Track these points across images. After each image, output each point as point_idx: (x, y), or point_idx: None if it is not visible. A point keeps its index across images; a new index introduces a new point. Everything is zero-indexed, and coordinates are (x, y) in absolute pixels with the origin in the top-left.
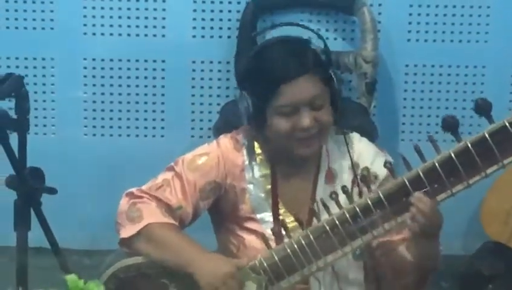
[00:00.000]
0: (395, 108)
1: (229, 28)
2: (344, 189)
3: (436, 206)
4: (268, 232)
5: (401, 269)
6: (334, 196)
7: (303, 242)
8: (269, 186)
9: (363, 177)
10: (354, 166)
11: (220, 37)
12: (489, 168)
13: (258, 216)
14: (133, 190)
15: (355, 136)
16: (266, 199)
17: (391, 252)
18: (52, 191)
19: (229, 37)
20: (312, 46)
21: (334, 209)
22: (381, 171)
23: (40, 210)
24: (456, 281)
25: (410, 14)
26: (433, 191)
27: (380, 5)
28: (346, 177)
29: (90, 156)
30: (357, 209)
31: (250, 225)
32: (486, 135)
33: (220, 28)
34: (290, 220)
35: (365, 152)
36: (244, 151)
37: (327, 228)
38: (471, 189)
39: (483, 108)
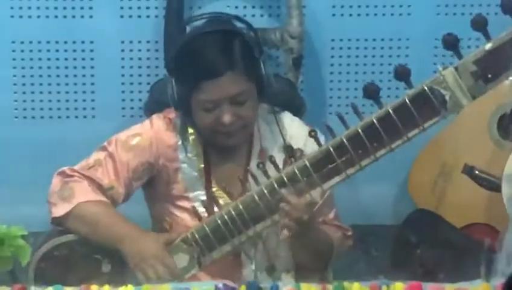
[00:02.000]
0: (322, 82)
1: (156, 7)
2: (271, 159)
3: (305, 205)
4: (201, 210)
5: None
6: (261, 165)
7: (233, 212)
8: (202, 166)
9: (292, 152)
10: (286, 146)
11: (148, 16)
12: (410, 131)
13: (191, 195)
14: (65, 169)
15: (286, 116)
16: (199, 178)
17: None
18: None
19: (156, 16)
20: (240, 38)
21: (263, 180)
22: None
23: None
24: (387, 249)
25: None
26: (356, 156)
27: None
28: (278, 157)
29: (22, 138)
30: (284, 177)
31: (183, 203)
32: (406, 99)
33: (147, 8)
34: (222, 198)
35: (298, 133)
36: (177, 131)
37: (256, 197)
38: (398, 160)
39: (402, 74)
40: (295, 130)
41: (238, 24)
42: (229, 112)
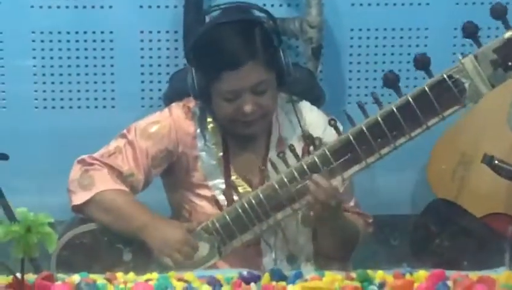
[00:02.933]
0: (341, 72)
1: None
2: (291, 148)
3: (333, 189)
4: (220, 198)
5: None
6: (281, 155)
7: (253, 201)
8: (221, 154)
9: (311, 141)
10: (305, 135)
11: (167, 6)
12: (430, 120)
13: (210, 183)
14: (85, 157)
15: (305, 105)
16: (218, 166)
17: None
18: (4, 157)
19: (175, 6)
20: (261, 27)
21: (283, 169)
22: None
23: None
24: (406, 238)
25: None
26: (376, 145)
27: None
28: (297, 146)
29: (42, 128)
30: (305, 166)
31: (202, 191)
32: (426, 88)
33: None
34: (242, 186)
35: (316, 122)
36: (196, 120)
37: (276, 186)
38: (417, 150)
39: (422, 63)
40: (314, 118)
41: (258, 13)
42: (249, 101)
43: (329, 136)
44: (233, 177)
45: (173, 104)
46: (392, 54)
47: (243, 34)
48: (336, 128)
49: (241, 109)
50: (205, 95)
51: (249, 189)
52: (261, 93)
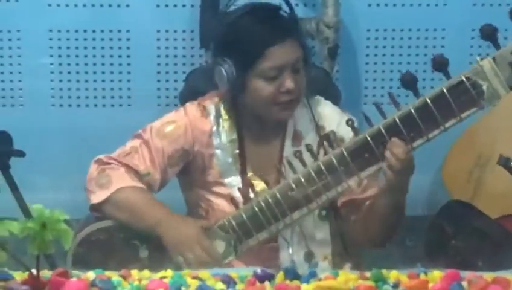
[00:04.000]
0: (357, 72)
1: None
2: (308, 147)
3: (410, 155)
4: (236, 195)
5: (368, 225)
6: (298, 154)
7: (270, 200)
8: (237, 151)
9: (326, 137)
10: (319, 129)
11: (184, 6)
12: (448, 122)
13: (226, 181)
14: (102, 156)
15: (319, 100)
16: (234, 164)
17: (357, 210)
18: (21, 154)
19: (192, 5)
20: (285, 12)
21: (300, 168)
22: (347, 134)
23: (9, 173)
24: (421, 239)
25: None
26: None
27: None
28: (312, 140)
29: (58, 126)
30: (322, 166)
31: (218, 189)
32: (444, 90)
33: None
34: (257, 183)
35: (330, 116)
36: (211, 118)
37: (293, 185)
38: (433, 151)
39: (440, 64)
40: (328, 112)
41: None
42: (291, 78)
43: (344, 130)
44: (249, 175)
45: (188, 104)
46: (409, 55)
47: (278, 13)
48: (354, 128)
49: (283, 87)
50: (241, 84)
51: (265, 186)
52: (297, 71)
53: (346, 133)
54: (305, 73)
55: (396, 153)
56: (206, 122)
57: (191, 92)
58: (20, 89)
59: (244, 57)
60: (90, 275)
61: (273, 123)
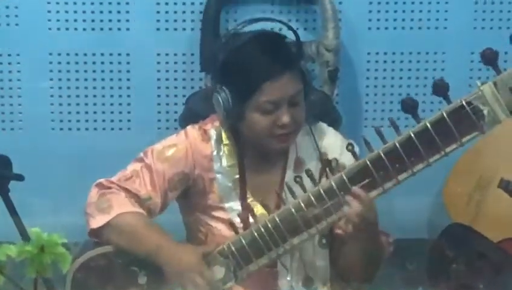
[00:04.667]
0: (358, 95)
1: (192, 20)
2: (308, 173)
3: (372, 202)
4: (236, 220)
5: (349, 262)
6: (298, 179)
7: (269, 225)
8: (237, 176)
9: (328, 163)
10: (321, 157)
11: (184, 29)
12: (448, 146)
13: (226, 205)
14: (102, 180)
15: (322, 127)
16: (234, 189)
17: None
18: (20, 177)
19: (192, 29)
20: (287, 41)
21: (300, 193)
22: (350, 162)
23: (8, 197)
24: (422, 263)
25: (370, 3)
26: (394, 170)
27: None
28: (314, 167)
29: (58, 150)
30: (322, 191)
31: (218, 213)
32: (444, 114)
33: (184, 21)
34: (257, 209)
35: (333, 143)
36: (212, 142)
37: (293, 210)
38: (434, 174)
39: (440, 88)
40: (331, 140)
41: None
42: (288, 112)
43: (346, 157)
44: (249, 200)
45: (189, 127)
46: (409, 78)
47: (279, 45)
48: (354, 153)
49: (279, 121)
50: (236, 113)
51: (265, 212)
52: (296, 104)
53: (349, 161)
54: (306, 103)
55: (356, 203)
56: (206, 147)
57: (191, 115)
58: (20, 113)
59: (241, 89)
60: None
61: (273, 152)
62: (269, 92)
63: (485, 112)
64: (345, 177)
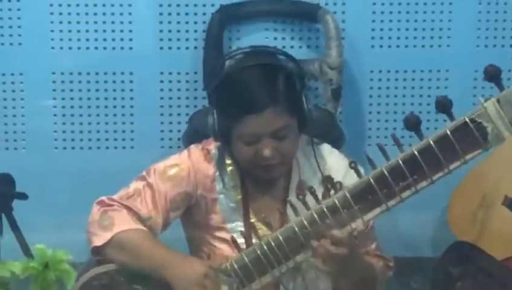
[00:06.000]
0: (361, 113)
1: (195, 39)
2: (311, 190)
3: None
4: (240, 241)
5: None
6: (301, 197)
7: (272, 243)
8: (240, 197)
9: (329, 180)
10: (325, 179)
11: (187, 48)
12: (452, 164)
13: (229, 226)
14: (104, 198)
15: (326, 148)
16: (237, 209)
17: None
18: (23, 196)
19: (195, 48)
20: (283, 72)
21: (303, 211)
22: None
23: (11, 215)
24: (426, 281)
25: (373, 21)
26: (397, 188)
27: (343, 12)
28: (317, 189)
29: (62, 169)
30: (325, 209)
31: (221, 234)
32: (448, 132)
33: (187, 39)
34: (261, 229)
35: (337, 166)
36: (215, 162)
37: (296, 228)
38: (438, 192)
39: (443, 105)
40: (334, 162)
41: (280, 57)
42: (269, 146)
43: (350, 180)
44: (252, 221)
45: (192, 146)
46: (412, 96)
47: (265, 79)
48: (357, 171)
49: (261, 153)
50: (225, 137)
51: (267, 231)
52: (281, 138)
53: (352, 182)
54: (303, 130)
55: (335, 237)
56: (209, 167)
57: (195, 133)
58: (23, 132)
59: (226, 116)
60: None
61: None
62: (250, 125)
63: (489, 129)
64: (348, 195)
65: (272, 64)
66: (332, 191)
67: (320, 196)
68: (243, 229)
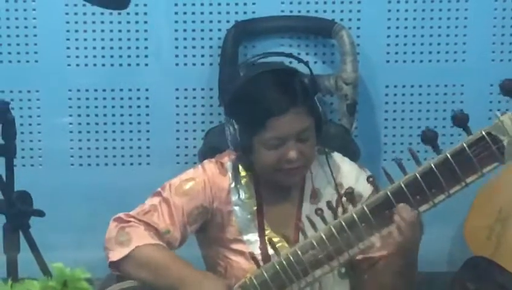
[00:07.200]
0: (377, 128)
1: (210, 55)
2: (329, 205)
3: (419, 218)
4: (256, 252)
5: (381, 285)
6: (319, 212)
7: (291, 259)
8: (255, 208)
9: (348, 195)
10: (337, 186)
11: (203, 64)
12: (469, 177)
13: (245, 237)
14: (121, 214)
15: (337, 156)
16: (252, 220)
17: (370, 269)
18: (40, 213)
19: (211, 64)
20: (298, 76)
21: (320, 226)
22: (366, 190)
23: (29, 233)
24: None
25: (388, 36)
26: (415, 202)
27: (358, 28)
28: (330, 197)
29: (78, 186)
30: (343, 223)
31: (237, 246)
32: (465, 146)
33: (202, 56)
34: (276, 240)
35: (348, 172)
36: (230, 175)
37: (314, 243)
38: (454, 206)
39: (460, 120)
40: (346, 169)
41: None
42: (294, 148)
43: (362, 186)
44: (267, 231)
45: (205, 161)
46: (428, 111)
47: (286, 81)
48: (374, 185)
49: (286, 156)
50: (246, 146)
51: (283, 242)
52: (304, 140)
53: (364, 189)
54: (322, 137)
55: (405, 217)
56: (224, 179)
57: (210, 149)
58: (40, 149)
59: (248, 124)
60: None
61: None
62: (274, 128)
63: (505, 142)
64: (366, 209)
65: (288, 68)
66: (350, 206)
67: (334, 204)
68: (258, 240)
